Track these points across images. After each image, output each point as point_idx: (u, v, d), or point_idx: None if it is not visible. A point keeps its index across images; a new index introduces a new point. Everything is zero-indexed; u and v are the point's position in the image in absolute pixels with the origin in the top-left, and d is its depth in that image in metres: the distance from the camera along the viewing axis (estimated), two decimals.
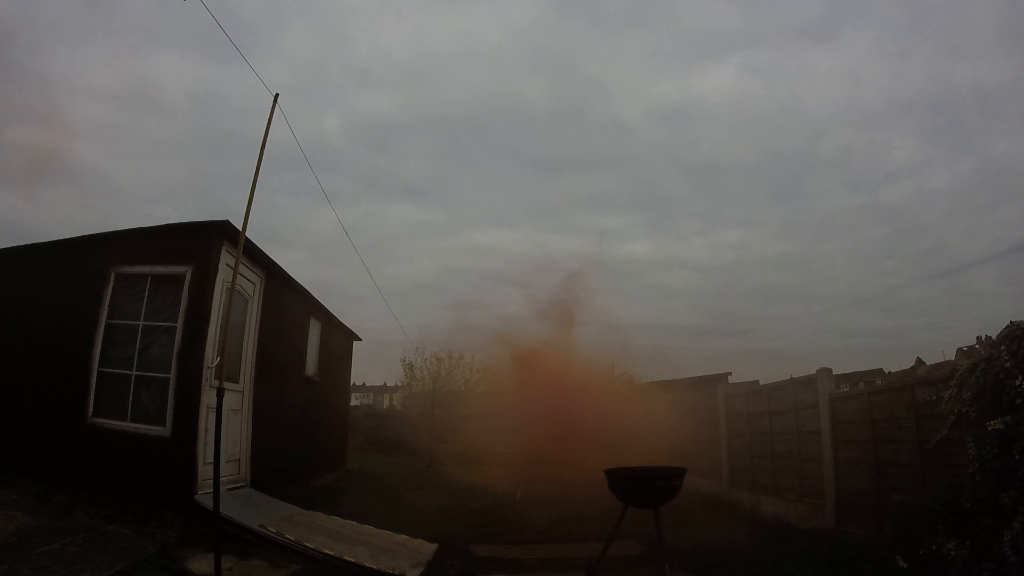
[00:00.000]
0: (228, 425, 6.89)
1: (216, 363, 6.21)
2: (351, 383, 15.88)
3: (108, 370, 6.53)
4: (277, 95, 5.72)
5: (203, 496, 5.96)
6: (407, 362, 27.63)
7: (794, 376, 9.87)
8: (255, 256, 7.73)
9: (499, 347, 17.70)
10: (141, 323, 6.64)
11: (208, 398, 6.23)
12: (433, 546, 6.48)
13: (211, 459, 5.30)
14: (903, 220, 52.72)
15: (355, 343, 14.17)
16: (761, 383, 13.36)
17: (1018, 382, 4.90)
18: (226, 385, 6.21)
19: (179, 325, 6.46)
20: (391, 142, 56.14)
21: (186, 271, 6.59)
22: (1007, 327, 5.33)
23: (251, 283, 7.86)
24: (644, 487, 5.75)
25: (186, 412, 6.22)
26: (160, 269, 6.74)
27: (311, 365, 10.59)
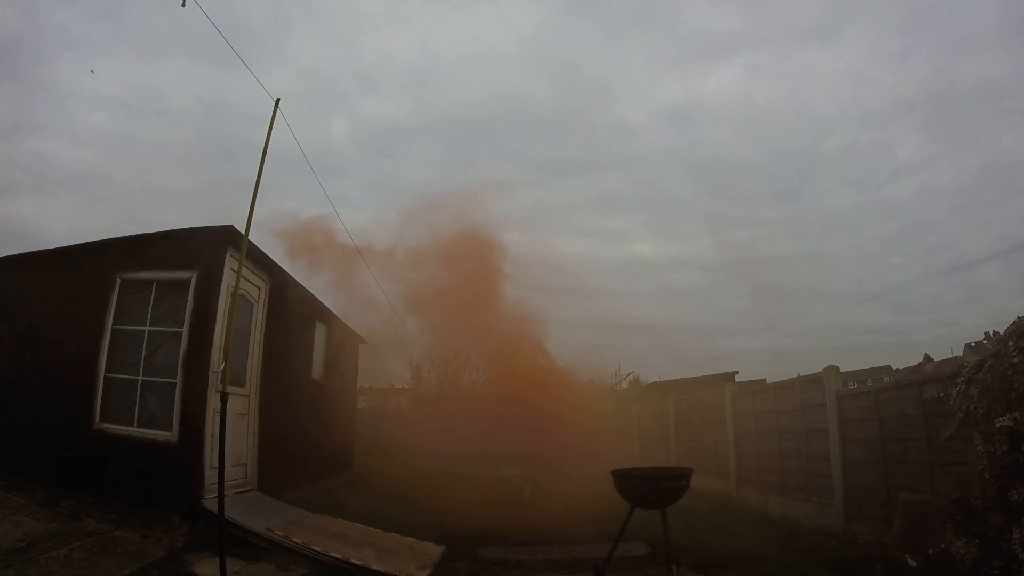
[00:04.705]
0: (234, 429, 6.91)
1: (221, 368, 6.23)
2: (357, 385, 15.89)
3: (114, 376, 6.56)
4: (278, 100, 5.76)
5: (210, 500, 5.97)
6: (414, 364, 27.65)
7: (801, 374, 9.83)
8: (260, 261, 7.76)
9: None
10: (147, 328, 6.68)
11: (214, 402, 6.24)
12: (440, 548, 6.48)
13: (217, 463, 5.32)
14: (908, 217, 52.56)
15: (361, 345, 14.20)
16: (768, 382, 13.34)
17: None
18: (232, 389, 6.22)
19: (184, 330, 6.49)
20: (398, 146, 56.21)
21: (191, 276, 6.63)
22: (1014, 322, 5.29)
23: (256, 287, 7.89)
24: (651, 488, 5.73)
25: (192, 417, 6.24)
26: (165, 275, 6.77)
27: (317, 368, 10.62)
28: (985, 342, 6.17)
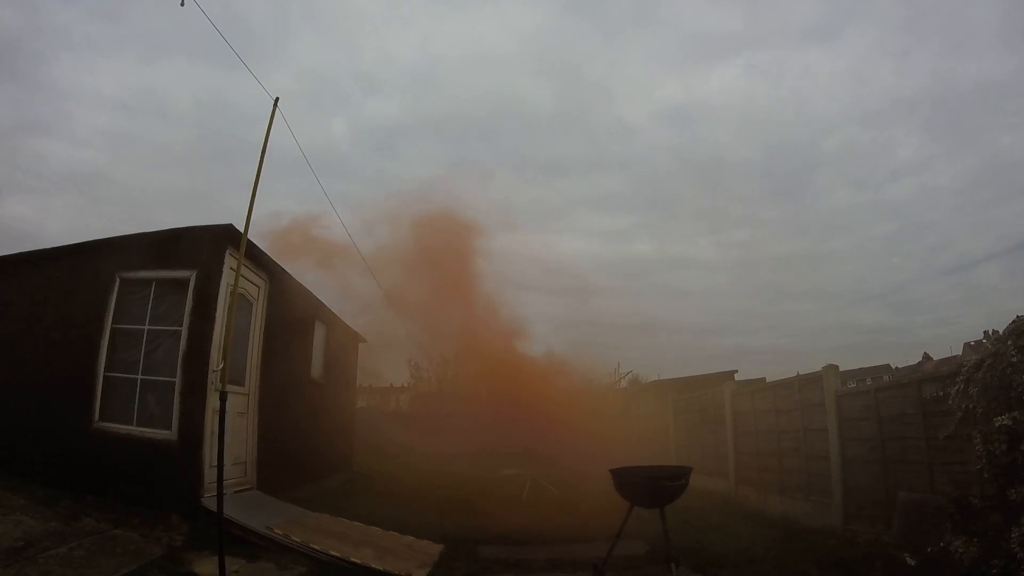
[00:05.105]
0: (233, 428, 6.90)
1: (221, 366, 6.23)
2: (356, 384, 15.89)
3: (114, 374, 6.56)
4: (277, 99, 5.75)
5: (209, 499, 5.96)
6: (413, 363, 27.66)
7: (800, 373, 9.83)
8: (259, 260, 7.76)
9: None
10: (146, 327, 6.67)
11: (213, 401, 6.23)
12: (439, 547, 6.47)
13: (217, 462, 5.31)
14: (908, 217, 52.75)
15: (360, 344, 14.20)
16: (767, 381, 13.34)
17: None
18: (231, 388, 6.21)
19: (184, 329, 6.48)
20: (397, 146, 56.29)
21: (190, 275, 6.62)
22: (1013, 321, 5.30)
23: (255, 286, 7.89)
24: (650, 487, 5.72)
25: (191, 416, 6.24)
26: (165, 274, 6.77)
27: (316, 367, 10.61)
28: (984, 341, 6.20)
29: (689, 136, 55.99)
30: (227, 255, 6.77)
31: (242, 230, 5.62)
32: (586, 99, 50.51)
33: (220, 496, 4.97)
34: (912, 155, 51.83)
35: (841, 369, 8.98)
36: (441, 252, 16.65)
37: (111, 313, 6.68)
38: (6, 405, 6.57)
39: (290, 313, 8.96)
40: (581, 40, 50.55)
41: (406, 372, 28.19)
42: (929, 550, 5.40)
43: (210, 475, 6.09)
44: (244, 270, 6.61)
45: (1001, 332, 5.53)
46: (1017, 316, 5.30)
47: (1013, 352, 5.07)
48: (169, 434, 6.26)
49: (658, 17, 50.44)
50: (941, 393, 6.12)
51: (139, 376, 6.54)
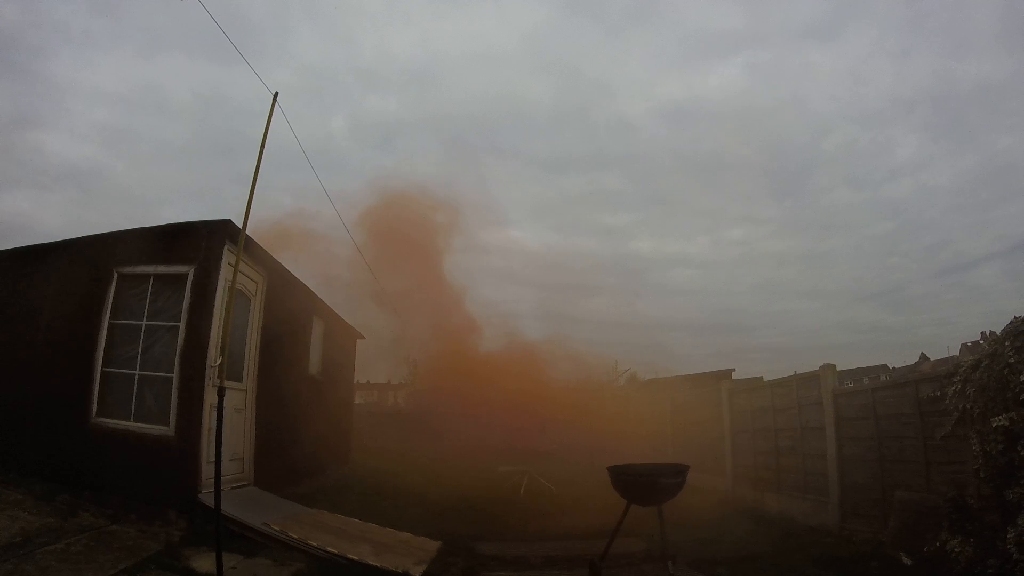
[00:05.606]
0: (231, 424, 6.91)
1: (219, 362, 6.22)
2: (354, 381, 15.90)
3: (111, 370, 6.54)
4: (276, 94, 5.73)
5: (207, 495, 5.97)
6: (411, 360, 27.61)
7: (798, 372, 9.84)
8: (257, 255, 7.74)
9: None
10: (144, 323, 6.66)
11: (211, 397, 6.23)
12: (437, 543, 6.48)
13: (214, 458, 5.30)
14: (906, 217, 52.88)
15: (358, 341, 14.20)
16: (765, 379, 13.35)
17: (1022, 378, 4.88)
18: (229, 384, 6.21)
19: (182, 325, 6.47)
20: (397, 142, 56.25)
21: (188, 271, 6.60)
22: (1011, 322, 5.30)
23: (253, 282, 7.87)
24: (647, 484, 5.73)
25: (189, 411, 6.23)
26: (162, 269, 6.75)
27: (314, 363, 10.61)
28: (982, 342, 6.21)
29: (689, 134, 56.04)
30: (225, 250, 6.75)
31: (240, 225, 5.60)
32: (586, 96, 50.51)
33: (218, 492, 4.97)
34: (911, 155, 52.02)
35: (839, 368, 8.99)
36: (438, 250, 16.66)
37: (109, 308, 6.67)
38: (4, 400, 6.56)
39: (288, 309, 8.94)
40: (581, 38, 50.59)
41: (404, 369, 28.18)
42: (925, 550, 5.42)
43: (208, 471, 6.08)
44: (242, 265, 6.59)
45: (999, 333, 5.54)
46: (1015, 317, 5.31)
47: (1010, 353, 5.08)
48: (167, 430, 6.25)
49: (658, 15, 50.50)
50: (938, 393, 6.13)
51: (137, 372, 6.52)
